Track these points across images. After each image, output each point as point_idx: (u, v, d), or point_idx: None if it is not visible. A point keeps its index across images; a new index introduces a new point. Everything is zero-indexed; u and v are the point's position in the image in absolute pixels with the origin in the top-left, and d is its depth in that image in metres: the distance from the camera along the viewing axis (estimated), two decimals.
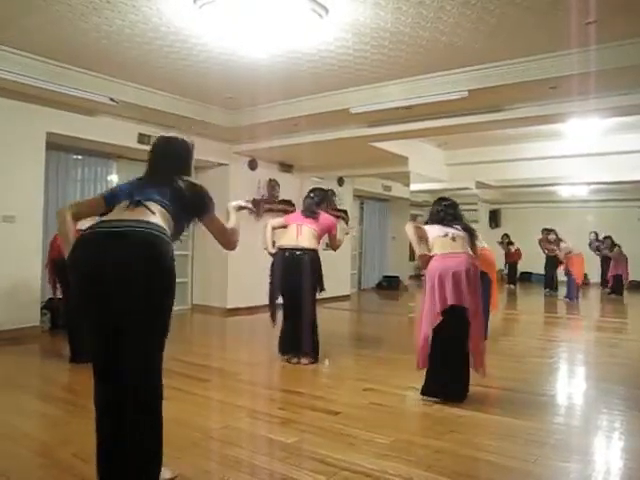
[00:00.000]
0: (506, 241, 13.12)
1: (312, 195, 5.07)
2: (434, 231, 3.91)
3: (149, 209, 2.23)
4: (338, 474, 2.49)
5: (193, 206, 2.40)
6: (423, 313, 3.77)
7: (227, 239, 2.52)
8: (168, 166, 2.44)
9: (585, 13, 3.80)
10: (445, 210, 4.02)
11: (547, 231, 11.59)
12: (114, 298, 2.09)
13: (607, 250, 12.20)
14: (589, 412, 3.66)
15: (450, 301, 3.61)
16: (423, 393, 3.73)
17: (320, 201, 5.04)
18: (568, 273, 10.77)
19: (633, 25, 4.06)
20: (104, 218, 2.23)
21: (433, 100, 5.46)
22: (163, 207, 2.27)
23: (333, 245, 5.09)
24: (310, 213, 4.94)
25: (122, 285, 2.08)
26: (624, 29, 4.12)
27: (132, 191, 2.30)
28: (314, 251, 4.83)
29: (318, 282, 4.85)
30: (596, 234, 12.52)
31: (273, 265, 4.89)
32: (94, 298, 2.13)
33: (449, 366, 3.67)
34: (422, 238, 3.94)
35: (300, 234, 4.82)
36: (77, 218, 2.29)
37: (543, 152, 8.91)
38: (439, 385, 3.68)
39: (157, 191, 2.30)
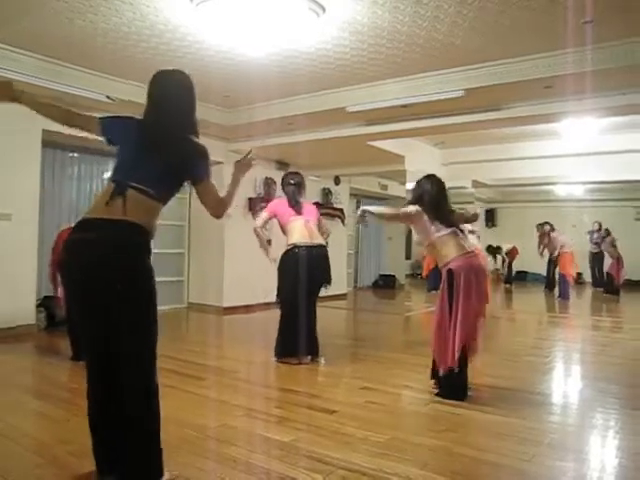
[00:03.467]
0: (491, 249, 13.05)
1: (292, 181, 4.97)
2: (438, 228, 3.77)
3: (126, 204, 2.15)
4: (334, 473, 2.50)
5: (191, 174, 2.33)
6: (461, 317, 3.57)
7: (216, 205, 2.41)
8: (175, 122, 2.32)
9: (581, 13, 3.81)
10: (440, 193, 3.85)
11: (541, 226, 11.55)
12: (100, 303, 2.16)
13: (602, 240, 12.12)
14: (584, 411, 3.67)
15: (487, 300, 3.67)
16: (451, 397, 3.65)
17: (300, 185, 4.99)
18: (559, 272, 10.83)
19: (629, 25, 4.08)
20: (86, 216, 2.23)
21: (430, 99, 5.47)
22: (148, 196, 2.20)
23: (325, 231, 5.08)
24: (296, 202, 4.90)
25: (104, 289, 2.13)
26: (620, 29, 4.13)
27: (126, 163, 2.25)
28: (326, 246, 4.92)
29: (329, 277, 4.87)
30: (600, 225, 12.24)
31: (285, 263, 4.77)
32: (82, 301, 2.23)
33: (465, 365, 3.72)
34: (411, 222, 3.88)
35: (310, 230, 4.80)
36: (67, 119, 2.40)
37: (539, 151, 8.94)
38: (463, 385, 3.70)
39: (149, 168, 2.22)
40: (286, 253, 4.78)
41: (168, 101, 2.34)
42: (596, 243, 12.25)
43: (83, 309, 2.23)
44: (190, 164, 2.32)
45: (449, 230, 3.79)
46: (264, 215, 4.92)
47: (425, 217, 3.79)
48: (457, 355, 3.57)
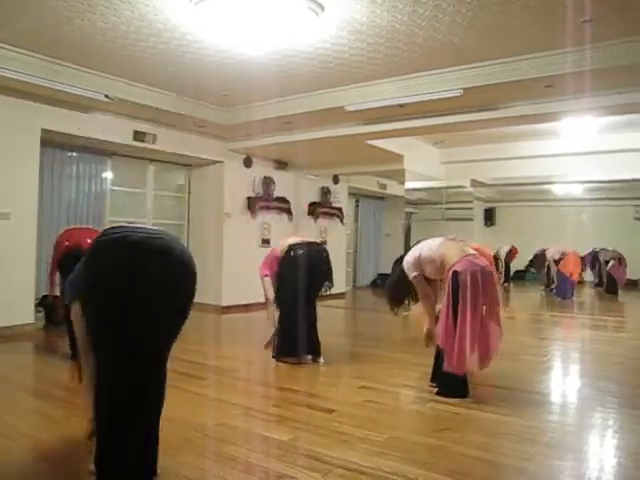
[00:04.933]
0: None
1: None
2: (434, 243, 3.90)
3: None
4: (333, 471, 2.50)
5: None
6: (470, 319, 3.53)
7: None
8: None
9: (581, 12, 3.81)
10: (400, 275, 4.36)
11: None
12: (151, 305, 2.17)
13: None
14: (583, 410, 3.67)
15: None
16: (453, 395, 3.67)
17: None
18: (559, 272, 10.85)
19: (628, 24, 4.08)
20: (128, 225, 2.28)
21: (429, 98, 5.47)
22: None
23: None
24: None
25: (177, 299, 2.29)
26: (619, 28, 4.13)
27: None
28: (322, 244, 5.05)
29: (330, 277, 4.90)
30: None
31: (284, 262, 4.79)
32: (141, 305, 2.15)
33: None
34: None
35: (302, 235, 4.94)
36: None
37: (538, 150, 8.94)
38: (464, 383, 3.71)
39: None
40: (285, 254, 4.81)
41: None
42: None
43: (135, 313, 2.12)
44: None
45: (441, 238, 3.94)
46: (269, 282, 5.01)
47: (424, 264, 3.93)
48: (470, 362, 3.55)
